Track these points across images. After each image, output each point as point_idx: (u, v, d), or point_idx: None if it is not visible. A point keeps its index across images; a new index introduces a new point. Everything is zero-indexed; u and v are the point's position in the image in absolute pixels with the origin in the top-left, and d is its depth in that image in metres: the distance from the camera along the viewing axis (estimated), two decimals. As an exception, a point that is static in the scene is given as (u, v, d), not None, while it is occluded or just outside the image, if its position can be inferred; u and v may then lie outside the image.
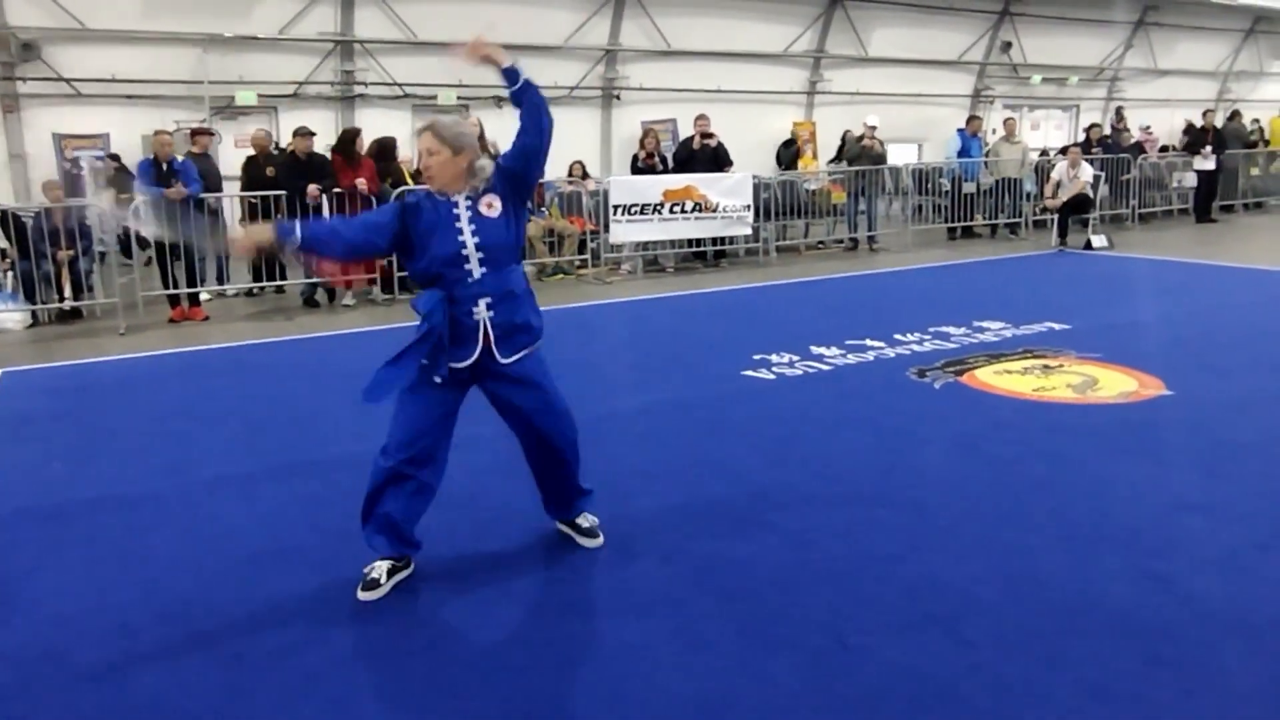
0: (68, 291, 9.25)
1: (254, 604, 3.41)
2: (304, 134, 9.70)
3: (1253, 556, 3.61)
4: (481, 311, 3.40)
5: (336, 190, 9.65)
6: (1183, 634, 3.06)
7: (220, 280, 10.21)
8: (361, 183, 9.69)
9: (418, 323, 3.41)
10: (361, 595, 3.44)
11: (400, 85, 14.51)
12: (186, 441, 5.34)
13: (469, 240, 3.37)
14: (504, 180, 3.48)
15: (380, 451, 3.47)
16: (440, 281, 3.39)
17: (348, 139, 10.22)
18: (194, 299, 9.29)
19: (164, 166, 8.96)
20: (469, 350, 3.41)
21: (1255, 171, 17.28)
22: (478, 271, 3.38)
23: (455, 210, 3.40)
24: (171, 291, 9.13)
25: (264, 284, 10.24)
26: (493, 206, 3.43)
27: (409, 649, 3.09)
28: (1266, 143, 18.06)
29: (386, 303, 9.88)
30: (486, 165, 3.49)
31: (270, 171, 9.96)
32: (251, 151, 10.37)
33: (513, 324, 3.47)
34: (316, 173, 9.57)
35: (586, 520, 3.89)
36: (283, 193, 9.60)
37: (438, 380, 3.43)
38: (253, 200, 9.80)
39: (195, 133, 10.59)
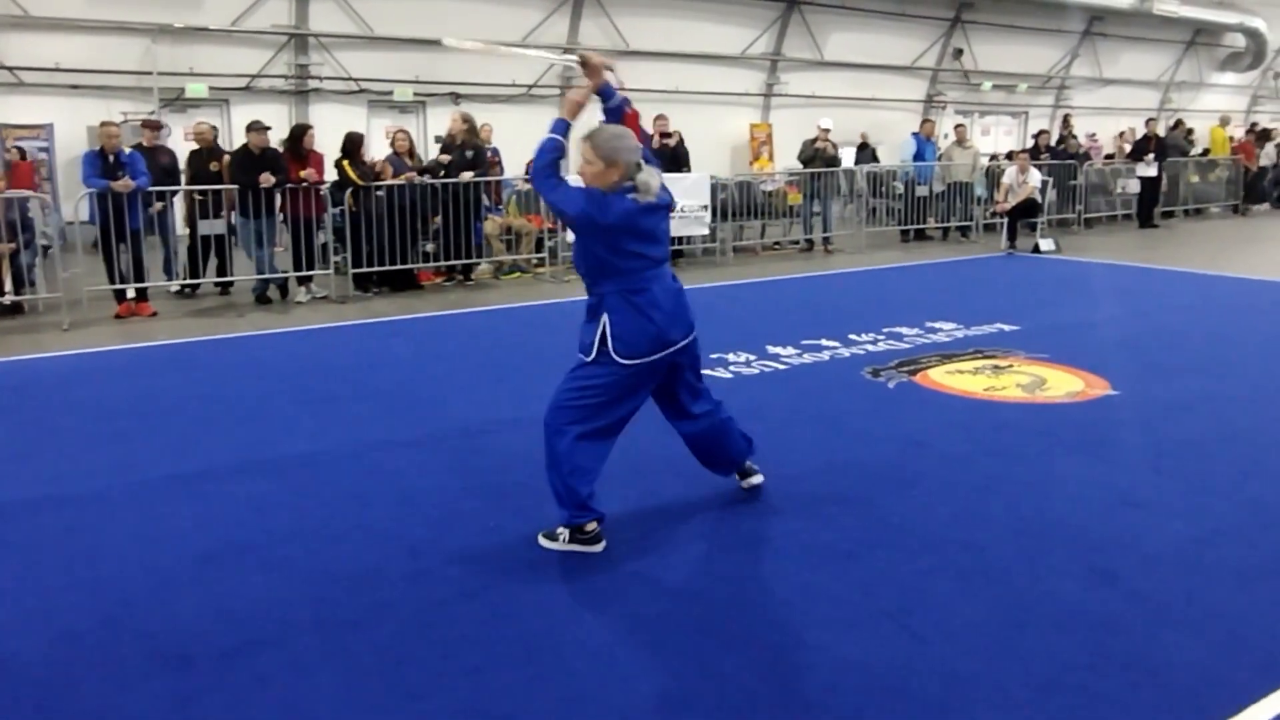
0: (8, 286, 9.00)
1: (203, 605, 3.35)
2: (259, 129, 9.54)
3: (1195, 551, 3.70)
4: None
5: (288, 185, 9.53)
6: (1128, 628, 3.14)
7: (168, 275, 9.97)
8: (310, 172, 9.58)
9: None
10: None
11: (355, 80, 14.36)
12: (132, 440, 5.22)
13: None
14: None
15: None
16: None
17: (295, 135, 10.09)
18: (141, 294, 9.10)
19: (110, 159, 8.76)
20: None
21: (1195, 179, 17.75)
22: None
23: None
24: (117, 286, 8.94)
25: (200, 280, 9.96)
26: None
27: (363, 649, 3.06)
28: (1206, 151, 18.55)
29: (340, 300, 9.76)
30: (648, 181, 3.60)
31: (214, 166, 9.76)
32: (195, 145, 10.13)
33: None
34: (269, 168, 9.43)
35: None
36: (231, 187, 9.45)
37: None
38: (199, 195, 9.60)
39: (145, 124, 10.38)
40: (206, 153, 9.89)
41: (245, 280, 9.94)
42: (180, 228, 10.55)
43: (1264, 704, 2.71)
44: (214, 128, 10.42)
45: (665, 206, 3.81)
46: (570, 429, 3.70)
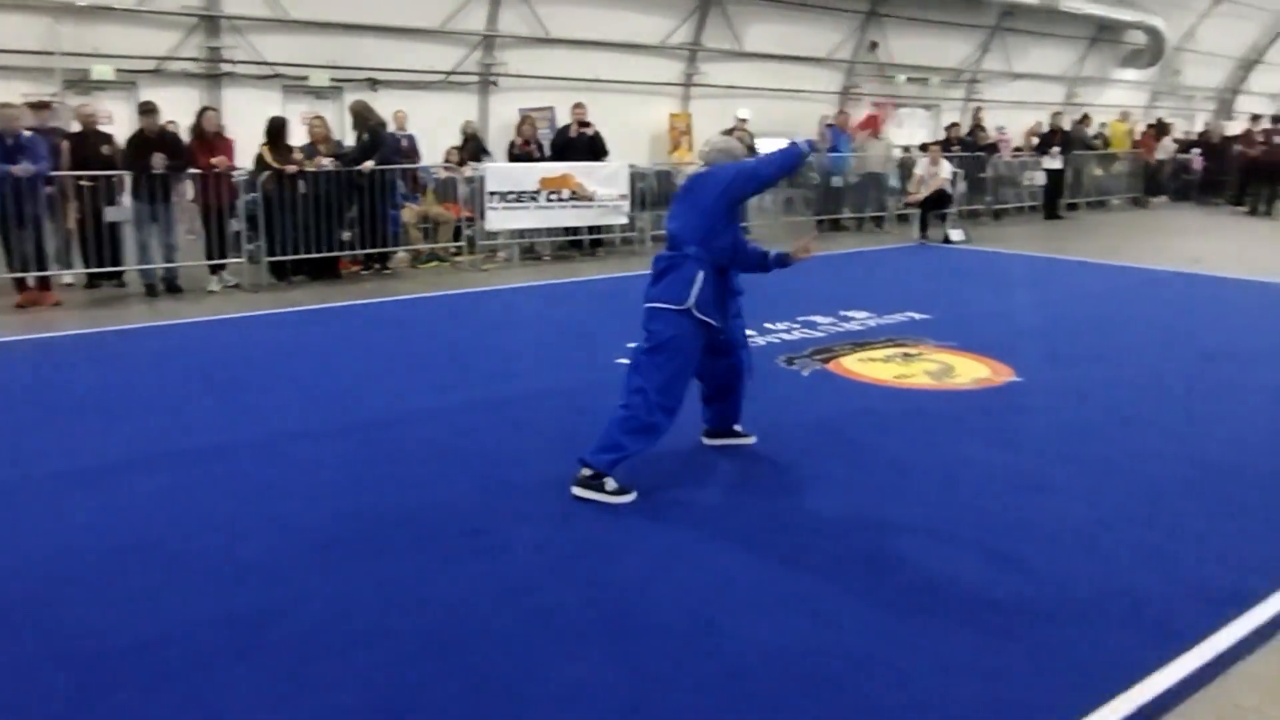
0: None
1: (105, 602, 3.26)
2: (149, 111, 9.19)
3: (1095, 534, 3.86)
4: None
5: (195, 171, 9.23)
6: (1030, 608, 3.26)
7: (63, 264, 9.47)
8: (221, 159, 9.31)
9: None
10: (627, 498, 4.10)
11: (270, 64, 13.96)
12: (34, 433, 5.03)
13: None
14: None
15: (667, 411, 4.18)
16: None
17: (198, 119, 9.77)
18: (43, 283, 8.73)
19: (8, 142, 8.37)
20: None
21: (1097, 172, 18.41)
22: None
23: None
24: (18, 274, 8.55)
25: (109, 269, 9.51)
26: None
27: (272, 644, 3.01)
28: (1107, 144, 19.23)
29: (254, 289, 9.52)
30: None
31: (106, 150, 9.34)
32: (78, 127, 9.58)
33: None
34: (168, 152, 9.09)
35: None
36: (123, 173, 9.07)
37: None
38: (88, 181, 9.11)
39: (35, 106, 9.89)
40: (94, 136, 9.45)
41: (145, 269, 9.57)
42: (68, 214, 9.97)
43: (1157, 678, 2.85)
44: (95, 111, 9.90)
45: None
46: None
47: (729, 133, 13.70)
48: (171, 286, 9.35)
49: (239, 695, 2.75)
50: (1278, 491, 4.30)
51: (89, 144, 9.31)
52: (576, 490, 4.15)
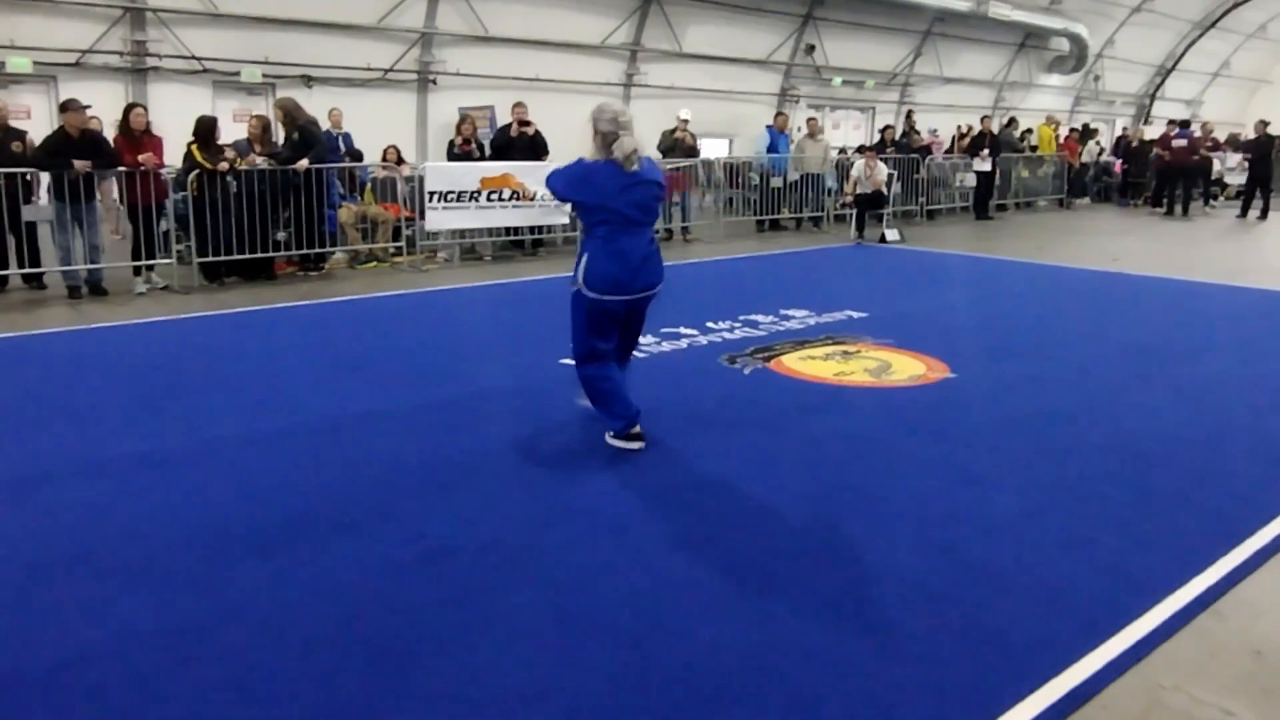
0: None
1: (30, 618, 3.15)
2: (75, 108, 8.89)
3: (1023, 524, 3.97)
4: None
5: (122, 169, 8.98)
6: (964, 597, 3.33)
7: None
8: (149, 157, 9.08)
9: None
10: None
11: (199, 59, 13.64)
12: (-50, 442, 4.85)
13: None
14: None
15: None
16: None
17: (124, 115, 9.50)
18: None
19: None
20: None
21: (1025, 174, 18.92)
22: None
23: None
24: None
25: (40, 270, 9.26)
26: None
27: (209, 657, 2.94)
28: (1034, 148, 19.77)
29: (185, 290, 9.29)
30: (623, 146, 4.56)
31: (17, 147, 8.99)
32: None
33: None
34: (90, 151, 8.81)
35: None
36: (39, 170, 8.75)
37: None
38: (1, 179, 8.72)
39: None
40: (3, 132, 9.11)
41: (67, 270, 9.30)
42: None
43: (1084, 662, 2.93)
44: (3, 105, 9.54)
45: (650, 181, 4.68)
46: (579, 359, 4.79)
47: (671, 133, 13.83)
48: (96, 289, 9.09)
49: (174, 711, 2.68)
50: (1195, 479, 4.46)
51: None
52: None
